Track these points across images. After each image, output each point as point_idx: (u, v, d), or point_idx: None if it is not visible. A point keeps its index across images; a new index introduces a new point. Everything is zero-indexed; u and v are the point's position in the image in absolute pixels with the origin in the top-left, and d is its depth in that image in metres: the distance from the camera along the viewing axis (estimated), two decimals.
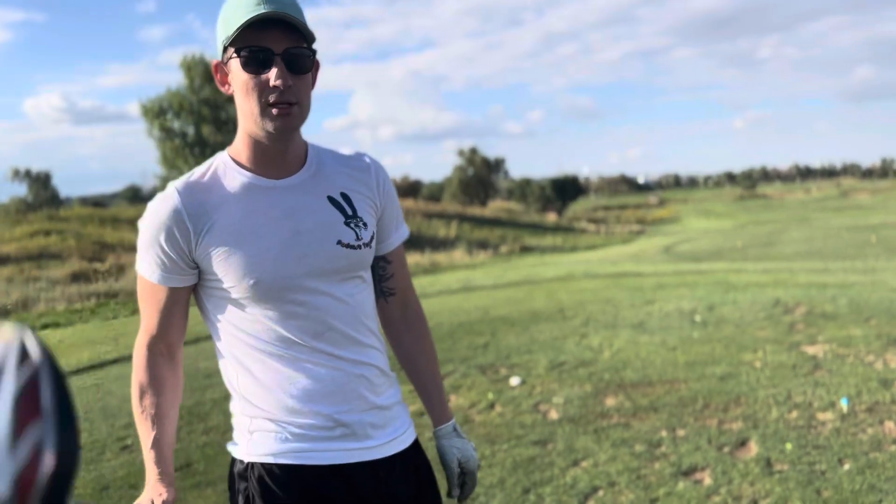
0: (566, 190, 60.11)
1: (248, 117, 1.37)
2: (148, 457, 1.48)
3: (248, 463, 1.42)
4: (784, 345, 6.10)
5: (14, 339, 0.57)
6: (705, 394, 4.85)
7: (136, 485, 3.92)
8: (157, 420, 1.48)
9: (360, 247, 1.45)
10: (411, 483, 1.52)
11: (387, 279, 1.61)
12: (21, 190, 57.69)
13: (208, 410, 5.27)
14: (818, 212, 61.79)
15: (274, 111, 1.33)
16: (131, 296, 16.60)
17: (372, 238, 1.49)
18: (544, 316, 8.07)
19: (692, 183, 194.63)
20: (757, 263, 14.12)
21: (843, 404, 4.43)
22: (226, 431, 4.75)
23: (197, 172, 1.44)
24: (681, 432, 4.19)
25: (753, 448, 3.89)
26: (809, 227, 36.39)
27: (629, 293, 9.37)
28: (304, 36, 1.35)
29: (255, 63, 1.32)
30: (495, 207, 55.31)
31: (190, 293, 1.48)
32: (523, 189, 60.68)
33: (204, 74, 36.08)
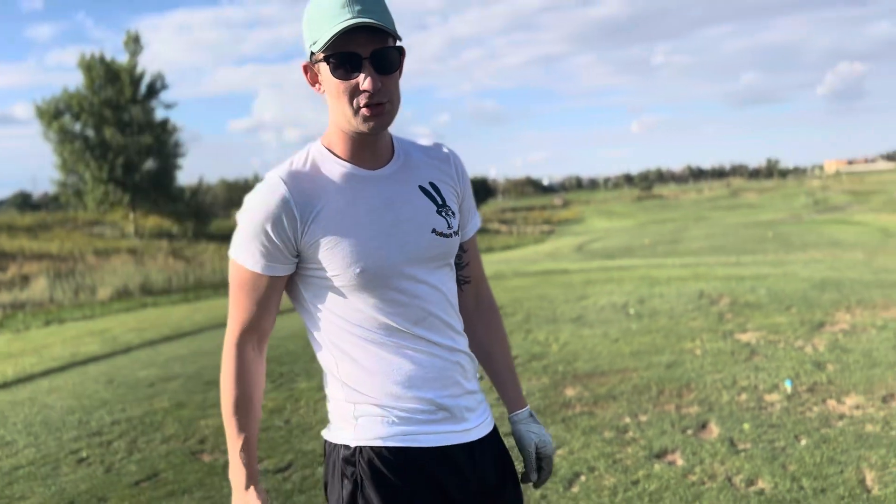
0: (477, 192, 60.51)
1: (342, 117, 1.40)
2: (239, 459, 1.49)
3: (355, 447, 1.44)
4: (718, 333, 6.44)
5: None
6: (657, 381, 5.08)
7: (105, 497, 3.77)
8: (250, 420, 1.49)
9: (451, 235, 1.50)
10: (497, 466, 1.56)
11: (462, 267, 1.64)
12: None
13: (161, 419, 5.09)
14: (712, 210, 65.08)
15: (366, 112, 1.37)
16: (40, 306, 15.75)
17: (458, 226, 1.54)
18: None
19: (593, 184, 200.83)
20: (672, 259, 14.77)
21: (787, 385, 4.74)
22: (186, 439, 4.62)
23: (296, 162, 1.44)
24: (643, 418, 4.38)
25: (714, 430, 4.11)
26: (708, 225, 38.25)
27: (562, 289, 9.64)
28: (390, 33, 1.37)
29: (345, 68, 1.35)
30: None
31: (285, 283, 1.47)
32: None
33: (105, 75, 34.50)
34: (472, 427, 1.51)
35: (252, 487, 1.48)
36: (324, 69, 1.38)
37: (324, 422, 4.94)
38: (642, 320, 7.27)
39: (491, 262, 17.14)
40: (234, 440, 1.48)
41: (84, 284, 17.31)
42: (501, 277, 11.78)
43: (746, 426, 4.10)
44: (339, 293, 1.43)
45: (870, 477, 3.34)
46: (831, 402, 4.40)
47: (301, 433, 4.56)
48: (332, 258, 1.40)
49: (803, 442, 3.81)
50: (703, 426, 4.18)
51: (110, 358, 7.71)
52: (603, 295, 8.93)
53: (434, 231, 1.47)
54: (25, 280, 16.53)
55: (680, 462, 3.69)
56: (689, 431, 4.09)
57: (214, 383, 6.04)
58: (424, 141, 1.59)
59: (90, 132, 35.67)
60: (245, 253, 1.42)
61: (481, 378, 1.69)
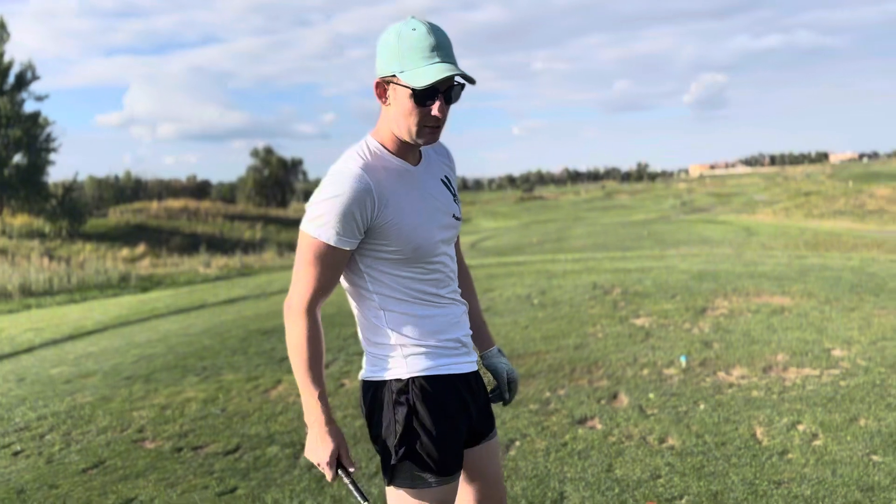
0: None
1: (404, 130, 1.75)
2: (318, 405, 1.77)
3: (407, 379, 1.81)
4: (615, 319, 7.06)
5: None
6: (568, 361, 5.58)
7: (55, 484, 3.81)
8: (320, 370, 1.78)
9: (461, 218, 1.95)
10: (485, 388, 2.04)
11: None
12: None
13: (90, 413, 5.09)
14: (589, 211, 68.08)
15: (430, 133, 1.75)
16: None
17: (461, 217, 1.97)
18: None
19: (478, 185, 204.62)
20: (563, 255, 15.59)
21: (682, 361, 5.35)
22: (123, 430, 4.68)
23: (365, 156, 1.77)
24: (561, 392, 4.84)
25: (624, 399, 4.63)
26: (587, 225, 40.08)
27: None
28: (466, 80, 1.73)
29: (423, 99, 1.69)
30: (298, 209, 54.73)
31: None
32: None
33: None
34: (475, 359, 1.97)
35: (331, 425, 1.79)
36: (401, 92, 1.70)
37: (260, 410, 5.17)
38: (546, 309, 7.81)
39: None
40: (312, 391, 1.77)
41: None
42: None
43: (652, 395, 4.64)
44: (392, 263, 1.79)
45: (759, 432, 3.93)
46: (721, 374, 5.03)
47: (241, 419, 4.71)
48: (398, 237, 1.75)
49: (701, 406, 4.38)
50: (615, 397, 4.69)
51: (13, 357, 7.45)
52: (507, 287, 9.45)
53: (454, 216, 1.91)
54: None
55: (599, 426, 4.16)
56: (603, 401, 4.59)
57: (136, 378, 6.05)
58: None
59: None
60: (330, 231, 1.71)
61: None
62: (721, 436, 3.89)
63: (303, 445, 4.11)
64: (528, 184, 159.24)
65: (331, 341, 6.67)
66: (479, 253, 20.21)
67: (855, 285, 8.29)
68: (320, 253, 1.74)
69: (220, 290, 13.06)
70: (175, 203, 48.75)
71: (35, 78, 37.55)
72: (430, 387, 1.81)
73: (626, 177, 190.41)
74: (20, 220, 36.10)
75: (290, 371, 5.88)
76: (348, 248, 1.74)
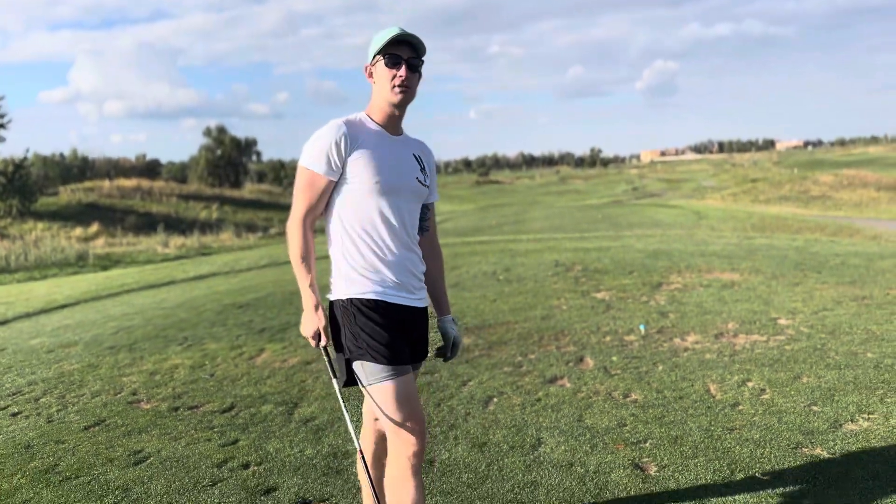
0: None
1: (382, 95, 2.36)
2: (309, 290, 2.35)
3: (347, 298, 2.34)
4: (577, 293, 7.47)
5: None
6: (536, 330, 5.96)
7: (62, 440, 4.02)
8: (312, 264, 2.36)
9: (424, 185, 2.48)
10: (423, 326, 2.52)
11: (425, 220, 2.58)
12: None
13: (80, 378, 5.27)
14: (544, 195, 68.93)
15: (397, 90, 2.34)
16: None
17: (427, 185, 2.49)
18: None
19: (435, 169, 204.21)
20: (523, 235, 16.00)
21: (641, 328, 5.77)
22: (116, 393, 4.88)
23: (351, 118, 2.37)
24: (532, 356, 5.21)
25: (590, 362, 5.02)
26: (543, 208, 40.64)
27: None
28: (419, 51, 2.35)
29: (392, 64, 2.34)
30: (253, 189, 54.12)
31: (332, 188, 2.36)
32: (277, 171, 59.95)
33: None
34: (418, 299, 2.47)
35: (319, 308, 2.35)
36: (379, 65, 2.36)
37: (248, 374, 5.48)
38: (512, 284, 8.19)
39: None
40: (305, 278, 2.36)
41: None
42: None
43: (615, 358, 5.04)
44: (358, 198, 2.33)
45: (713, 388, 4.35)
46: (676, 340, 5.46)
47: (231, 382, 4.97)
48: (363, 170, 2.31)
49: (660, 367, 4.79)
50: (581, 360, 5.07)
51: None
52: (473, 265, 9.80)
53: (417, 179, 2.45)
54: None
55: (569, 385, 4.54)
56: (571, 364, 4.97)
57: (119, 347, 6.23)
58: (415, 137, 2.58)
59: None
60: (317, 162, 2.32)
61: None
62: (679, 391, 4.30)
63: (295, 404, 4.41)
64: (485, 168, 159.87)
65: None
66: (441, 234, 20.50)
67: (799, 263, 8.86)
68: (309, 180, 2.34)
69: (188, 268, 13.13)
70: (127, 182, 47.87)
71: None
72: (366, 306, 2.33)
73: (580, 162, 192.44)
74: None
75: (273, 340, 6.14)
76: (329, 178, 2.32)
